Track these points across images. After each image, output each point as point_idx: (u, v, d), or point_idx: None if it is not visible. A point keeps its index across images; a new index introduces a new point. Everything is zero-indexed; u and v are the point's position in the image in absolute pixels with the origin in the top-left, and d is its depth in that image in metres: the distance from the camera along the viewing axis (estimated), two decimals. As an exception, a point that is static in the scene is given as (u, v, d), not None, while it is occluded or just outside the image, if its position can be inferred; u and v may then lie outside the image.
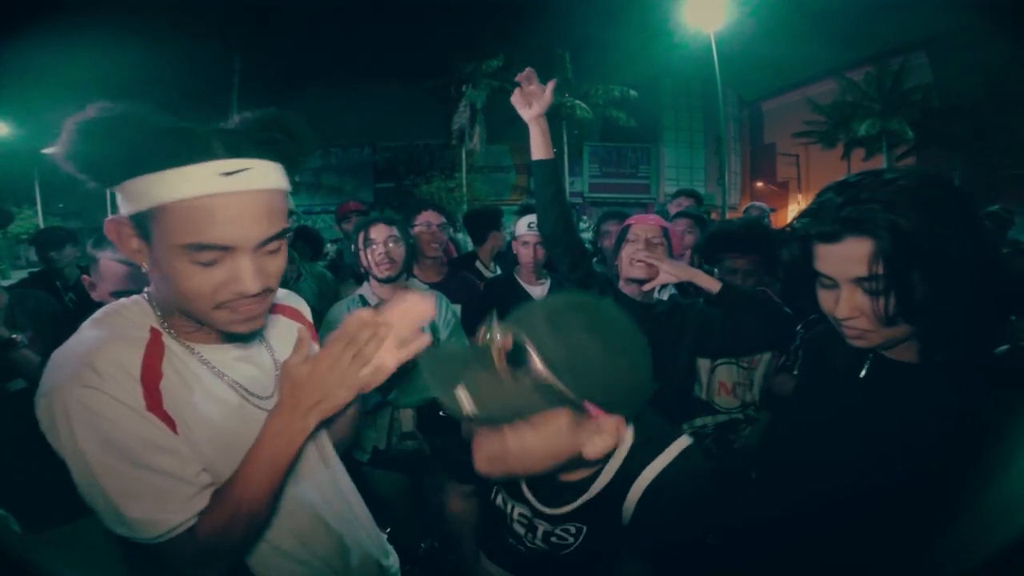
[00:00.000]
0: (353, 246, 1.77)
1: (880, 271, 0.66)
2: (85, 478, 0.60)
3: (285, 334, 0.85)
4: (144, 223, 0.61)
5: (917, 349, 0.75)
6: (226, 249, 0.61)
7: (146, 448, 0.61)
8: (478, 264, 2.74)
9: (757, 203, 3.82)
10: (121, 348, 0.63)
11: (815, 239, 0.72)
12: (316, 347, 0.90)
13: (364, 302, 1.76)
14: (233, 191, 0.59)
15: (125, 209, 0.62)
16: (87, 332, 0.65)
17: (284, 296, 0.91)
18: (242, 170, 0.59)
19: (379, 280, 1.73)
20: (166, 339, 0.68)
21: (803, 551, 0.86)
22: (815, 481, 0.86)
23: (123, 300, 0.71)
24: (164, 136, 0.58)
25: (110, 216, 0.64)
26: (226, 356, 0.74)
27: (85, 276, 1.34)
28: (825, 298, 0.75)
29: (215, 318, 0.66)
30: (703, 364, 1.94)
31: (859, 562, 0.78)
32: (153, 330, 0.68)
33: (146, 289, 0.73)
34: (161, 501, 0.61)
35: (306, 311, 0.93)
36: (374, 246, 1.71)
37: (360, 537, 0.89)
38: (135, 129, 0.58)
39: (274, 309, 0.87)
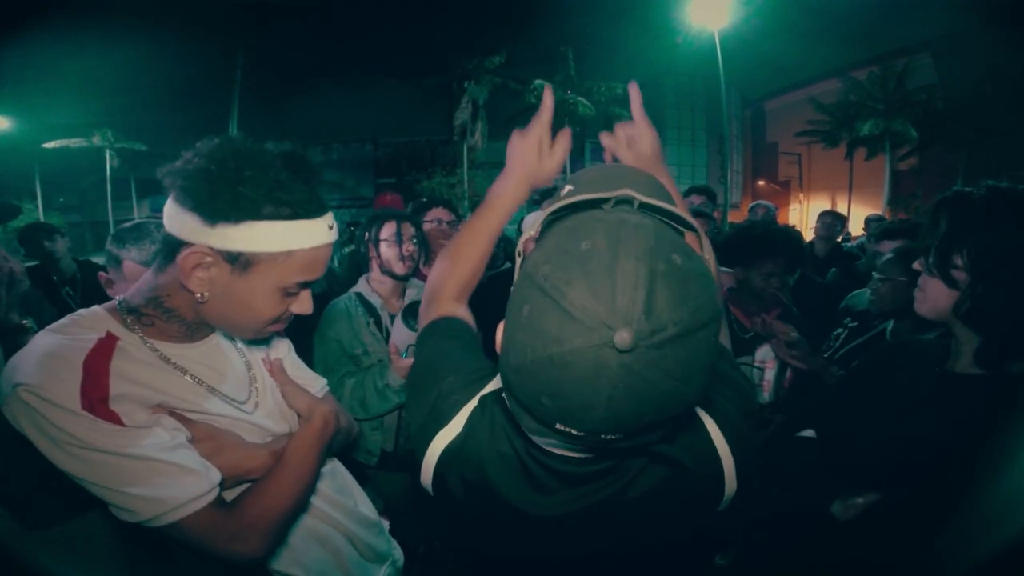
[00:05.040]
0: (368, 235, 1.71)
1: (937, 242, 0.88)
2: (73, 474, 0.62)
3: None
4: (245, 261, 0.68)
5: (982, 360, 0.86)
6: (310, 286, 0.75)
7: (104, 438, 0.63)
8: None
9: (763, 202, 3.81)
10: (65, 353, 0.64)
11: None
12: (283, 339, 0.95)
13: (362, 299, 1.72)
14: (330, 242, 0.74)
15: (215, 243, 0.66)
16: (39, 338, 0.67)
17: None
18: (332, 224, 0.74)
19: (396, 276, 1.70)
20: (124, 341, 0.70)
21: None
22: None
23: (81, 311, 0.73)
24: (285, 189, 0.67)
25: (192, 248, 0.66)
26: (193, 355, 0.76)
27: (102, 273, 1.34)
28: None
29: (260, 331, 0.75)
30: None
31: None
32: (108, 334, 0.69)
33: (119, 298, 0.75)
34: (152, 483, 0.63)
35: None
36: (404, 243, 1.69)
37: (360, 524, 0.93)
38: (259, 175, 0.65)
39: None
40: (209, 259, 0.67)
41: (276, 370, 0.88)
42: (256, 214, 0.66)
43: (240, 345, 0.85)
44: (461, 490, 0.63)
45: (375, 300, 1.71)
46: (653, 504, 0.59)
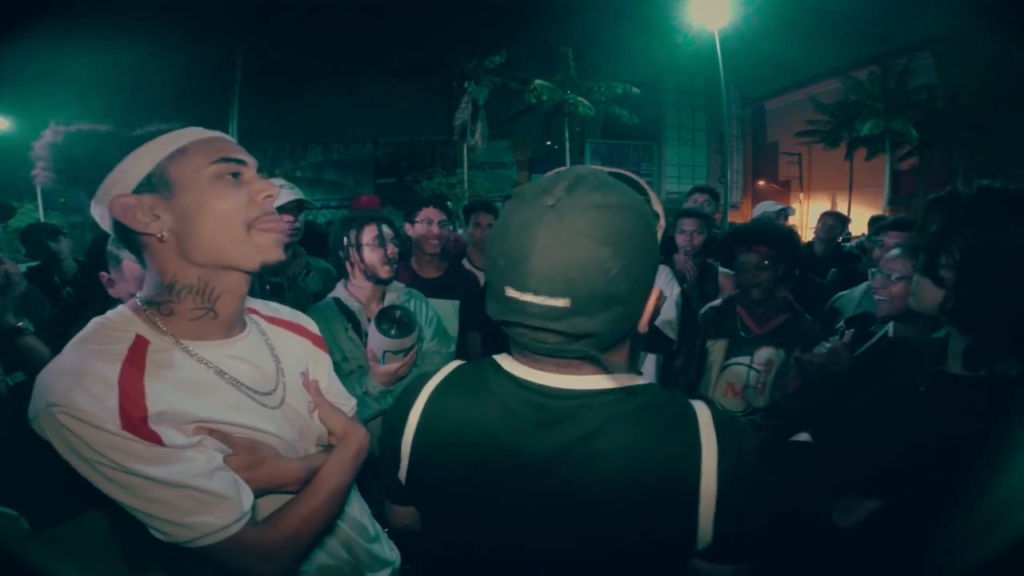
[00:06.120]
0: (348, 240, 1.64)
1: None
2: (107, 494, 0.61)
3: (292, 346, 0.88)
4: (159, 179, 0.68)
5: (968, 361, 0.87)
6: (243, 163, 0.72)
7: (142, 464, 0.61)
8: (465, 261, 2.58)
9: (773, 202, 3.82)
10: (99, 370, 0.62)
11: None
12: (325, 356, 0.94)
13: (342, 305, 1.65)
14: (223, 136, 0.75)
15: (121, 188, 0.67)
16: (70, 352, 0.65)
17: (289, 314, 0.94)
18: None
19: (380, 280, 1.66)
20: (154, 345, 0.68)
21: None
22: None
23: (108, 313, 0.72)
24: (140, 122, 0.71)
25: (112, 203, 0.66)
26: (223, 352, 0.74)
27: (103, 273, 1.34)
28: None
29: (250, 245, 0.71)
30: (715, 360, 1.93)
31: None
32: (138, 338, 0.68)
33: (138, 294, 0.74)
34: (186, 509, 0.63)
35: (312, 327, 0.96)
36: (387, 245, 1.63)
37: (355, 527, 0.95)
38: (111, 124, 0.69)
39: (278, 323, 0.89)
40: (131, 200, 0.66)
41: (313, 390, 0.87)
42: (126, 148, 0.67)
43: (272, 341, 0.84)
44: (439, 452, 0.66)
45: (354, 305, 1.65)
46: (620, 465, 0.58)
